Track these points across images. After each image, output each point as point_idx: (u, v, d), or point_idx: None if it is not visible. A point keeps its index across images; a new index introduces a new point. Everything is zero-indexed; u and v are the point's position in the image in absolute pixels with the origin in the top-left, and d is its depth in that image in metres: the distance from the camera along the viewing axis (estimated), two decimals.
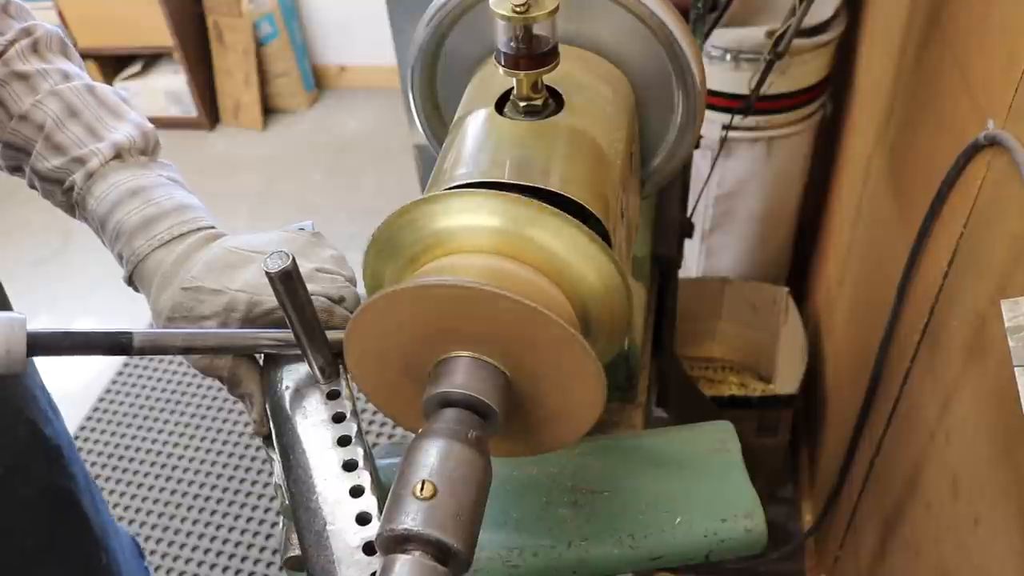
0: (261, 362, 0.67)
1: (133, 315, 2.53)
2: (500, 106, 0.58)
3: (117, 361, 2.41)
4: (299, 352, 0.62)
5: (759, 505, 0.65)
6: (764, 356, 1.95)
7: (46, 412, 0.91)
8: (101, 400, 2.35)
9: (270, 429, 0.63)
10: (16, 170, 0.74)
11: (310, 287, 0.63)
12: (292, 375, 0.64)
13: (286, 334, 0.62)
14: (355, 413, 0.62)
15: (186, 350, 0.62)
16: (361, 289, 0.61)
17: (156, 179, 0.70)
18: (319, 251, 0.68)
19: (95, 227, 0.70)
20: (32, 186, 0.73)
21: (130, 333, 0.59)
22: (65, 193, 0.70)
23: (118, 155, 0.69)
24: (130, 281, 0.69)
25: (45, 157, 0.69)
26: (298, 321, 0.58)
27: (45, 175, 0.70)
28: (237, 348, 0.64)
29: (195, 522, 2.02)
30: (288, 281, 0.55)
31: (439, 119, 0.70)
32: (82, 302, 2.66)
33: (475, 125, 0.57)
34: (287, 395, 0.63)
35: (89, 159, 0.68)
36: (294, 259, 0.55)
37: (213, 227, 0.69)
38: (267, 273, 0.55)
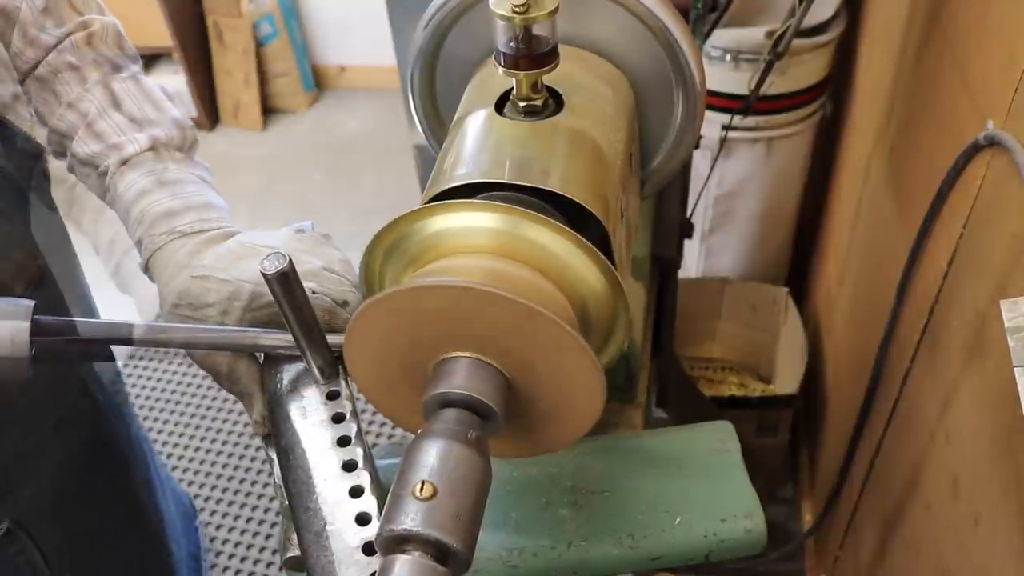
0: (261, 360, 0.67)
1: (132, 318, 2.53)
2: (500, 106, 0.58)
3: (118, 361, 2.41)
4: (298, 352, 0.62)
5: (759, 505, 0.65)
6: (764, 356, 1.95)
7: (92, 366, 0.93)
8: None
9: (269, 428, 0.63)
10: (60, 155, 0.77)
11: (316, 285, 0.63)
12: (292, 375, 0.64)
13: (287, 335, 0.62)
14: (355, 413, 0.62)
15: (186, 345, 0.63)
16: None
17: (187, 175, 0.73)
18: (329, 251, 0.69)
19: (121, 212, 0.73)
20: (71, 170, 0.76)
21: (131, 325, 0.60)
22: (100, 176, 0.73)
23: (153, 148, 0.72)
24: (146, 268, 0.71)
25: (85, 142, 0.72)
26: (296, 322, 0.58)
27: (84, 159, 0.73)
28: (237, 346, 0.64)
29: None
30: (285, 282, 0.55)
31: (439, 119, 0.70)
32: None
33: (475, 125, 0.57)
34: (287, 395, 0.63)
35: (125, 147, 0.72)
36: (291, 260, 0.55)
37: (233, 229, 0.71)
38: (264, 274, 0.54)
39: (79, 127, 0.73)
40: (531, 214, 0.47)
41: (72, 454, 0.87)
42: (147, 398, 2.34)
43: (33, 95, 0.75)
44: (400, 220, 0.50)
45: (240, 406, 2.27)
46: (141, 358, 2.44)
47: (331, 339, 0.62)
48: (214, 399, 2.31)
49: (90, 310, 0.95)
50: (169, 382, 2.37)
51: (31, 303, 0.57)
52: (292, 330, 0.59)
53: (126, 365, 2.44)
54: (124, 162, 0.72)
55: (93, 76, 0.75)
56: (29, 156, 0.78)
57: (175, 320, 0.66)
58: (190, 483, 2.10)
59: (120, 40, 0.79)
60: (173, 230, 0.69)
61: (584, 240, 0.48)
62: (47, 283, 0.78)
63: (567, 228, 0.47)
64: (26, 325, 0.56)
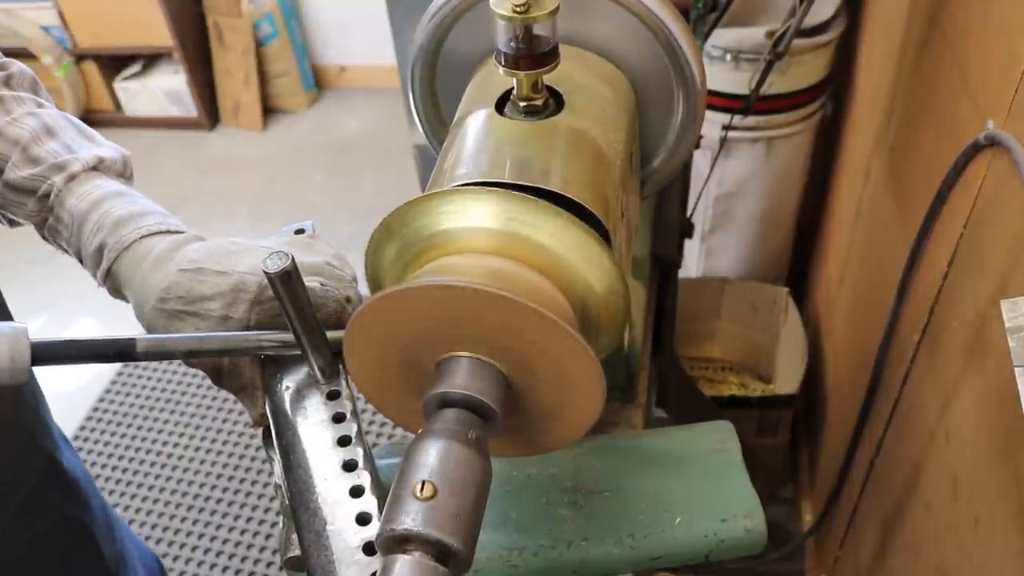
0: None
1: (132, 318, 2.53)
2: (500, 106, 0.58)
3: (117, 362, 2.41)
4: (299, 352, 0.62)
5: (759, 505, 0.65)
6: (764, 356, 1.95)
7: (60, 443, 0.89)
8: (101, 400, 2.35)
9: (269, 424, 0.63)
10: None
11: (321, 281, 0.63)
12: (292, 375, 0.64)
13: (288, 335, 0.61)
14: (355, 413, 0.61)
15: (190, 354, 0.60)
16: (363, 288, 0.61)
17: (137, 192, 0.70)
18: (323, 248, 0.68)
19: (73, 228, 0.68)
20: (1, 207, 0.72)
21: (133, 339, 0.58)
22: (39, 200, 0.69)
23: (98, 168, 0.69)
24: (107, 275, 0.67)
25: (19, 167, 0.68)
26: (298, 321, 0.58)
27: (18, 184, 0.68)
28: (242, 350, 0.63)
29: (195, 522, 2.02)
30: (288, 281, 0.55)
31: (439, 119, 0.70)
32: (82, 302, 2.66)
33: (475, 125, 0.57)
34: (287, 395, 0.63)
35: (70, 164, 0.68)
36: (293, 259, 0.55)
37: (203, 236, 0.68)
38: (267, 273, 0.54)
39: (10, 155, 0.68)
40: (538, 201, 0.47)
41: (40, 535, 0.83)
42: (147, 398, 2.34)
43: None
44: (404, 208, 0.49)
45: (240, 406, 2.27)
46: (136, 367, 2.44)
47: (330, 336, 0.62)
48: (214, 399, 2.31)
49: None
50: (169, 382, 2.37)
51: (26, 327, 0.55)
52: (294, 329, 0.59)
53: (120, 374, 2.44)
54: (72, 178, 0.68)
55: (19, 109, 0.71)
56: None
57: (158, 318, 0.63)
58: (190, 483, 2.10)
59: (37, 87, 0.75)
60: (140, 227, 0.65)
61: (591, 230, 0.48)
62: None
63: (574, 217, 0.47)
64: (26, 345, 0.55)
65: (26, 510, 0.81)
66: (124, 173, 0.72)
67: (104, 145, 0.72)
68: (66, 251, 0.72)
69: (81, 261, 0.70)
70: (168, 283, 0.62)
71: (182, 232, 0.67)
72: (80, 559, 0.91)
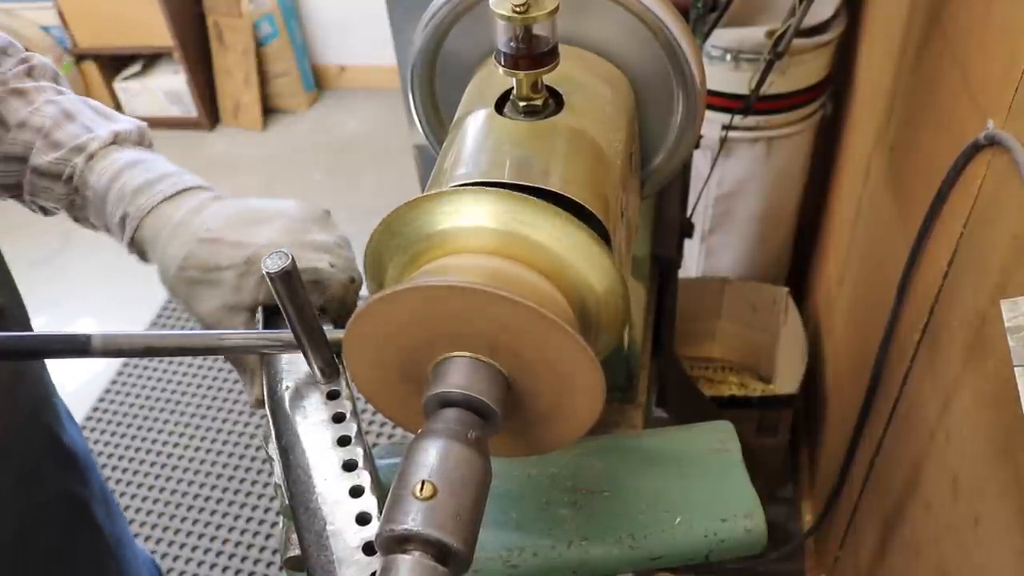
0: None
1: (132, 318, 2.54)
2: (500, 106, 0.58)
3: (117, 361, 2.41)
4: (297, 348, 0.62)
5: (759, 505, 0.65)
6: (764, 356, 1.95)
7: (62, 418, 0.90)
8: (101, 400, 2.35)
9: (268, 418, 0.63)
10: (8, 188, 0.76)
11: (333, 259, 0.65)
12: (292, 375, 0.64)
13: (279, 335, 0.61)
14: (355, 413, 0.61)
15: (148, 351, 0.60)
16: (363, 289, 0.61)
17: (156, 156, 0.73)
18: (333, 227, 0.70)
19: (97, 202, 0.71)
20: (29, 191, 0.74)
21: (88, 336, 0.57)
22: (65, 183, 0.72)
23: (115, 141, 0.72)
24: (131, 243, 0.69)
25: (44, 152, 0.71)
26: (297, 320, 0.58)
27: (44, 170, 0.72)
28: (200, 350, 0.62)
29: (195, 522, 2.02)
30: (288, 280, 0.55)
31: (439, 119, 0.70)
32: (82, 302, 2.66)
33: (475, 125, 0.57)
34: (287, 395, 0.63)
35: (89, 144, 0.71)
36: (294, 259, 0.55)
37: (220, 194, 0.70)
38: (267, 273, 0.54)
39: (35, 142, 0.72)
40: (538, 201, 0.47)
41: (36, 509, 0.83)
42: (147, 398, 2.34)
43: None
44: (403, 208, 0.49)
45: (239, 406, 2.27)
46: (136, 366, 2.44)
47: (329, 336, 0.62)
48: (214, 399, 2.31)
49: (42, 362, 0.88)
50: (169, 382, 2.38)
51: None
52: (293, 328, 0.59)
53: (120, 373, 2.44)
54: (91, 157, 0.71)
55: (40, 98, 0.74)
56: None
57: (179, 285, 0.65)
58: (190, 483, 2.10)
59: (57, 77, 0.79)
60: (156, 194, 0.67)
61: (588, 229, 0.48)
62: (8, 321, 0.76)
63: (573, 217, 0.47)
64: None
65: (23, 480, 0.82)
66: (142, 143, 0.75)
67: (120, 120, 0.75)
68: (96, 228, 0.75)
69: (111, 234, 0.73)
70: (187, 252, 0.64)
71: (199, 189, 0.69)
72: (79, 534, 0.91)
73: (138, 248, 0.70)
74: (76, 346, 0.57)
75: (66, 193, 0.73)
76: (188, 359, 2.41)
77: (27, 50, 0.78)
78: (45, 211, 0.79)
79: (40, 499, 0.85)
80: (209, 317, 0.65)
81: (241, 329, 0.65)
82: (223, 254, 0.63)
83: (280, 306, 0.57)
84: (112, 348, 0.58)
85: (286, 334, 0.62)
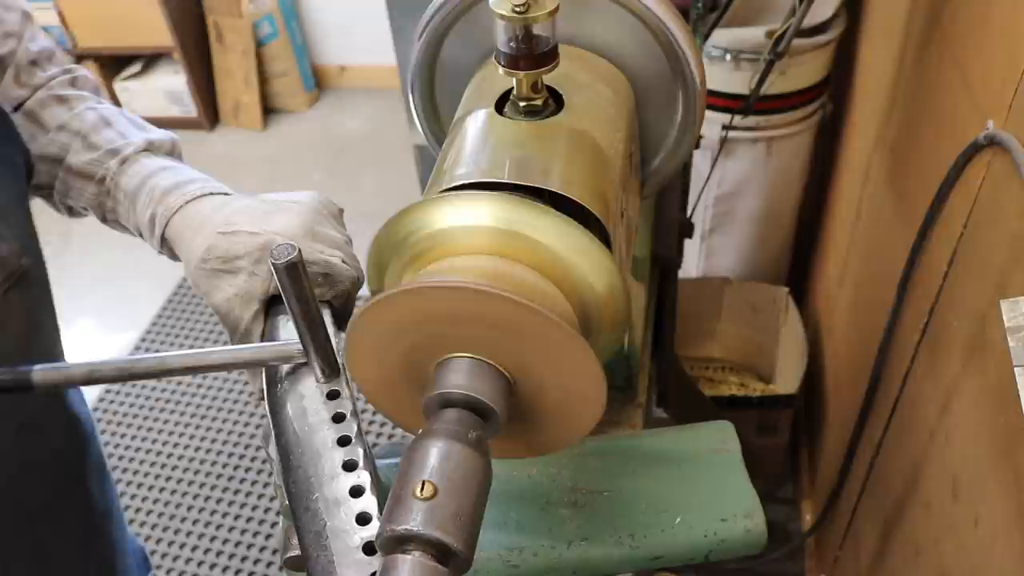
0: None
1: (132, 318, 2.54)
2: (500, 106, 0.58)
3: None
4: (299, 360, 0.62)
5: (759, 505, 0.65)
6: (764, 356, 1.95)
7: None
8: (101, 400, 2.35)
9: (270, 420, 0.63)
10: (40, 188, 0.79)
11: (342, 257, 0.66)
12: (292, 375, 0.64)
13: (238, 352, 0.62)
14: (355, 413, 0.61)
15: (88, 380, 0.61)
16: (364, 289, 0.61)
17: (184, 165, 0.77)
18: (343, 227, 0.72)
19: (126, 204, 0.74)
20: (60, 192, 0.78)
21: (30, 369, 0.58)
22: (97, 184, 0.75)
23: (148, 149, 0.76)
24: (162, 243, 0.72)
25: (80, 153, 0.75)
26: (300, 315, 0.58)
27: (79, 170, 0.75)
28: (239, 364, 0.63)
29: (195, 522, 2.02)
30: (293, 273, 0.55)
31: (439, 119, 0.70)
32: (82, 303, 2.66)
33: (475, 125, 0.57)
34: (287, 395, 0.63)
35: (123, 149, 0.75)
36: (300, 251, 0.55)
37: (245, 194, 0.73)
38: (273, 264, 0.54)
39: (72, 143, 0.76)
40: (538, 202, 0.47)
41: (32, 464, 0.84)
42: (147, 398, 2.34)
43: (20, 130, 0.77)
44: (405, 212, 0.49)
45: (239, 406, 2.27)
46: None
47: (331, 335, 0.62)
48: (214, 399, 2.31)
49: (56, 326, 0.93)
50: (169, 382, 2.37)
51: None
52: (296, 323, 0.59)
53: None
54: (124, 161, 0.75)
55: (80, 105, 0.79)
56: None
57: (201, 277, 0.66)
58: (190, 483, 2.10)
59: (98, 90, 0.84)
60: (185, 194, 0.71)
61: (588, 233, 0.48)
62: (31, 283, 0.78)
63: (572, 220, 0.47)
64: None
65: (24, 429, 0.82)
66: (173, 153, 0.79)
67: (154, 131, 0.79)
68: (126, 230, 0.78)
69: (141, 235, 0.76)
70: (209, 244, 0.66)
71: (225, 194, 0.72)
72: (70, 500, 0.92)
73: (168, 247, 0.73)
74: (19, 382, 0.57)
75: (97, 194, 0.76)
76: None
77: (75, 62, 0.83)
78: (72, 211, 0.81)
79: (37, 454, 0.85)
80: (224, 305, 0.66)
81: (247, 321, 0.67)
82: (240, 243, 0.65)
83: (284, 298, 0.57)
84: (51, 381, 0.59)
85: (246, 352, 0.62)
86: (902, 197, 1.17)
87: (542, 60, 0.53)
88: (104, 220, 0.79)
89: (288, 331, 0.65)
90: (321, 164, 3.25)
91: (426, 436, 0.43)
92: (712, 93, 1.64)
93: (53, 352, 0.87)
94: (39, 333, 0.81)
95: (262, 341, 0.67)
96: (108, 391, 2.37)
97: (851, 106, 1.66)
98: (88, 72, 0.84)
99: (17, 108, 0.78)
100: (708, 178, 1.70)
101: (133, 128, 0.79)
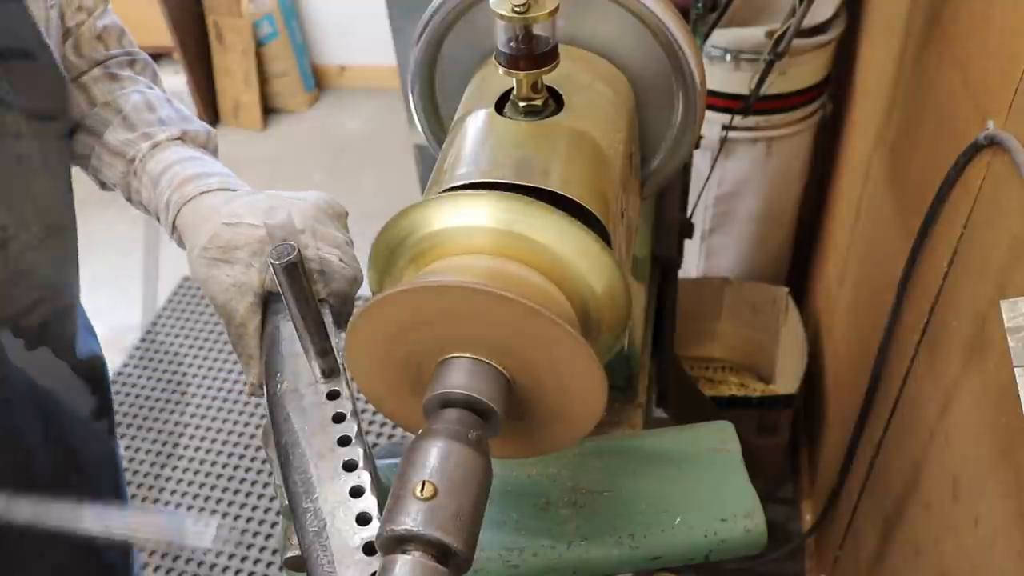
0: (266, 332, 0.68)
1: (133, 317, 2.53)
2: (500, 106, 0.58)
3: (117, 360, 2.41)
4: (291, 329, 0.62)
5: (759, 505, 0.65)
6: (764, 356, 1.95)
7: (82, 329, 0.96)
8: None
9: (270, 421, 0.63)
10: (81, 158, 0.81)
11: (340, 256, 0.67)
12: (292, 375, 0.64)
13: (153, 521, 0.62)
14: (355, 413, 0.61)
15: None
16: (365, 289, 0.61)
17: (213, 159, 0.79)
18: (344, 228, 0.72)
19: (149, 187, 0.76)
20: (94, 166, 0.80)
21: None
22: (127, 163, 0.78)
23: (182, 138, 0.78)
24: (173, 229, 0.74)
25: (118, 131, 0.78)
26: (299, 314, 0.58)
27: (112, 147, 0.78)
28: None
29: (195, 522, 2.02)
30: (292, 272, 0.55)
31: (439, 119, 0.70)
32: (82, 302, 2.65)
33: (475, 125, 0.57)
34: (287, 395, 0.63)
35: (157, 135, 0.78)
36: (299, 252, 0.55)
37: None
38: (272, 264, 0.55)
39: (113, 120, 0.78)
40: (541, 204, 0.47)
41: (57, 390, 0.87)
42: (147, 398, 2.34)
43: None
44: (404, 212, 0.50)
45: (239, 406, 2.27)
46: (136, 365, 2.44)
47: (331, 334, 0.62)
48: (214, 399, 2.31)
49: (76, 286, 0.95)
50: (169, 382, 2.38)
51: None
52: (295, 323, 0.59)
53: (120, 373, 2.44)
54: (155, 146, 0.77)
55: (130, 86, 0.81)
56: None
57: (200, 264, 0.67)
58: (190, 483, 2.10)
59: (156, 76, 0.87)
60: (201, 185, 0.72)
61: (589, 232, 0.48)
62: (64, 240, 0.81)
63: (576, 220, 0.47)
64: None
65: (58, 353, 0.86)
66: (207, 146, 0.81)
67: (194, 123, 0.82)
68: (148, 212, 0.79)
69: (159, 219, 0.77)
70: (212, 233, 0.68)
71: (241, 190, 0.74)
72: (89, 439, 0.96)
73: (178, 232, 0.74)
74: None
75: (125, 173, 0.78)
76: (189, 359, 2.41)
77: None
78: (103, 185, 0.84)
79: (61, 381, 0.88)
80: (220, 296, 0.67)
81: (242, 312, 0.67)
82: (241, 235, 0.67)
83: (283, 298, 0.57)
84: None
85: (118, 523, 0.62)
86: (902, 197, 1.17)
87: (542, 60, 0.53)
88: (129, 200, 0.81)
89: (288, 329, 0.65)
90: (321, 164, 3.25)
91: (426, 436, 0.43)
92: (712, 93, 1.64)
93: (74, 291, 0.92)
94: (68, 268, 0.86)
95: (260, 336, 0.68)
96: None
97: (851, 106, 1.66)
98: (150, 60, 0.87)
99: (76, 79, 0.81)
100: (708, 178, 1.70)
101: (174, 116, 0.81)
